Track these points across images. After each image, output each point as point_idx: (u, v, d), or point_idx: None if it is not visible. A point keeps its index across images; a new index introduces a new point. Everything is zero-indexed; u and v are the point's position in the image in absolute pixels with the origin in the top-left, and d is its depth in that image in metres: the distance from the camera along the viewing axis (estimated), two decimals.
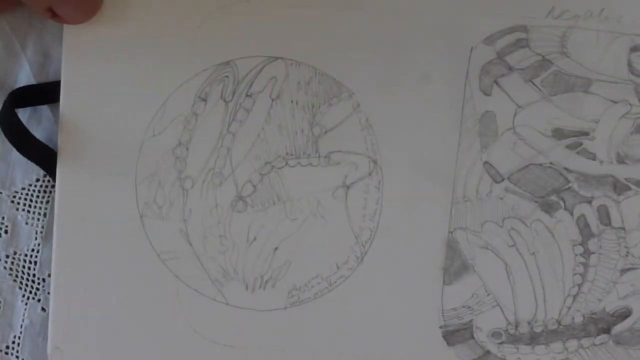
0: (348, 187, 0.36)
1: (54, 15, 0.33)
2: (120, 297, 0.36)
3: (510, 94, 0.36)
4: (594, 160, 0.36)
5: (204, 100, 0.36)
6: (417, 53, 0.36)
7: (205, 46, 0.35)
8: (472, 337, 0.37)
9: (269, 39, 0.36)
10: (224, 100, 0.36)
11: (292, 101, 0.36)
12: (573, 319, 0.36)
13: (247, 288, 0.36)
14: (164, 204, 0.36)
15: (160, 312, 0.36)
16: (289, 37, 0.36)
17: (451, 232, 0.36)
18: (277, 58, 0.36)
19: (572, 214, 0.36)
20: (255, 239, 0.36)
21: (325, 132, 0.36)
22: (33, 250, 0.39)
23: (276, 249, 0.36)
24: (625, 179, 0.36)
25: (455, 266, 0.37)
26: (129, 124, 0.36)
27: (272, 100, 0.36)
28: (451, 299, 0.36)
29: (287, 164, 0.36)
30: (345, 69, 0.36)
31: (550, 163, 0.36)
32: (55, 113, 0.37)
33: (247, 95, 0.36)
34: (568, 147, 0.36)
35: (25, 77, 0.38)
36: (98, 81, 0.36)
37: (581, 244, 0.36)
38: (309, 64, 0.36)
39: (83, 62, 0.35)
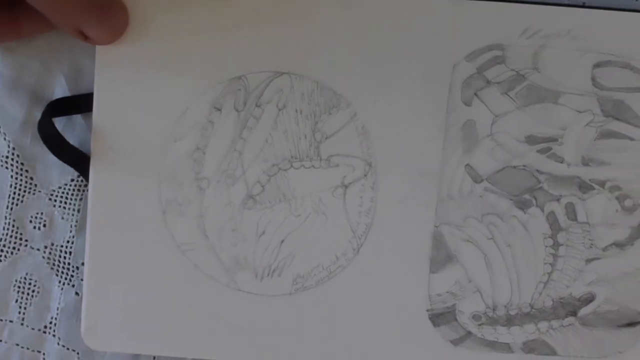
0: (346, 187, 0.37)
1: (85, 37, 0.34)
2: (145, 283, 0.37)
3: (488, 104, 0.37)
4: (562, 163, 0.37)
5: (219, 110, 0.37)
6: (407, 69, 0.36)
7: (220, 62, 0.36)
8: (455, 319, 0.38)
9: (276, 56, 0.37)
10: (236, 110, 0.37)
11: (296, 110, 0.37)
12: (544, 303, 0.38)
13: (256, 276, 0.38)
14: (183, 202, 0.37)
15: (180, 296, 0.37)
16: (293, 55, 0.36)
17: (437, 227, 0.37)
18: (283, 73, 0.37)
19: (543, 210, 0.37)
20: (263, 232, 0.37)
21: (326, 138, 0.37)
22: (68, 241, 0.40)
23: (282, 241, 0.37)
24: (590, 179, 0.37)
25: (440, 257, 0.38)
26: (152, 130, 0.36)
27: (279, 109, 0.37)
28: (437, 286, 0.38)
29: (291, 166, 0.37)
30: (343, 82, 0.36)
31: (524, 166, 0.37)
32: (88, 122, 0.38)
33: (256, 106, 0.37)
34: (539, 151, 0.37)
35: (61, 89, 0.39)
36: (126, 93, 0.36)
37: (551, 237, 0.37)
38: (311, 77, 0.37)
39: (113, 76, 0.36)
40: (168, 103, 0.36)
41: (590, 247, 0.37)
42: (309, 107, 0.36)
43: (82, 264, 0.39)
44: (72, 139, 0.38)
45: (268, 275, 0.37)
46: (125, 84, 0.36)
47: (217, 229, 0.37)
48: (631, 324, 0.38)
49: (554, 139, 0.37)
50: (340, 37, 0.36)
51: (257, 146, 0.37)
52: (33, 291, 0.39)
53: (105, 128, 0.36)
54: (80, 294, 0.39)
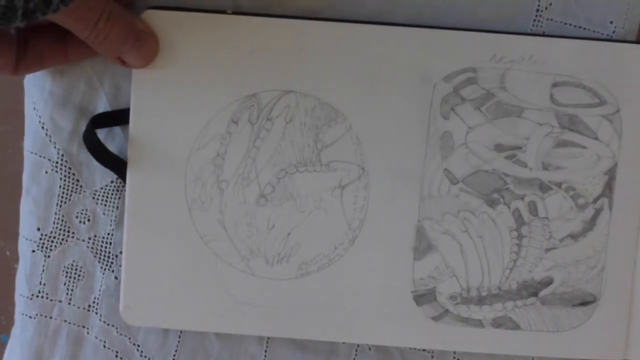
0: (343, 188, 0.39)
1: (122, 62, 0.36)
2: (173, 269, 0.39)
3: (463, 118, 0.39)
4: (525, 167, 0.39)
5: (236, 122, 0.38)
6: (394, 88, 0.38)
7: (237, 82, 0.38)
8: (435, 299, 0.40)
9: (284, 78, 0.38)
10: (251, 123, 0.38)
11: (301, 123, 0.38)
12: (510, 285, 0.40)
13: (267, 263, 0.39)
14: (205, 200, 0.39)
15: (204, 280, 0.39)
16: (299, 77, 0.38)
17: (420, 221, 0.39)
18: (290, 91, 0.38)
19: (509, 207, 0.39)
20: (273, 226, 0.39)
21: (326, 147, 0.39)
22: (108, 234, 0.41)
23: (289, 234, 0.39)
24: (549, 181, 0.39)
25: (422, 246, 0.39)
26: (180, 140, 0.38)
27: (286, 122, 0.38)
28: (419, 271, 0.40)
29: (297, 170, 0.39)
30: (340, 99, 0.38)
31: (493, 169, 0.39)
32: (126, 133, 0.40)
33: (267, 119, 0.38)
34: (506, 157, 0.39)
35: (102, 105, 0.40)
36: (157, 108, 0.38)
37: (516, 230, 0.39)
38: (314, 96, 0.38)
39: (146, 94, 0.38)
40: (193, 117, 0.38)
41: (549, 238, 0.39)
42: (312, 121, 0.38)
43: (121, 252, 0.40)
44: (112, 147, 0.40)
45: (277, 262, 0.39)
46: (156, 101, 0.38)
47: (234, 223, 0.39)
48: (583, 304, 0.40)
49: (518, 147, 0.39)
50: (337, 62, 0.38)
51: (268, 153, 0.39)
52: (79, 276, 0.41)
53: (140, 138, 0.38)
54: (118, 278, 0.41)
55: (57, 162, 0.41)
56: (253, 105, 0.38)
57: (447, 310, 0.40)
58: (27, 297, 0.41)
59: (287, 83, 0.38)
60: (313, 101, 0.38)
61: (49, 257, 0.41)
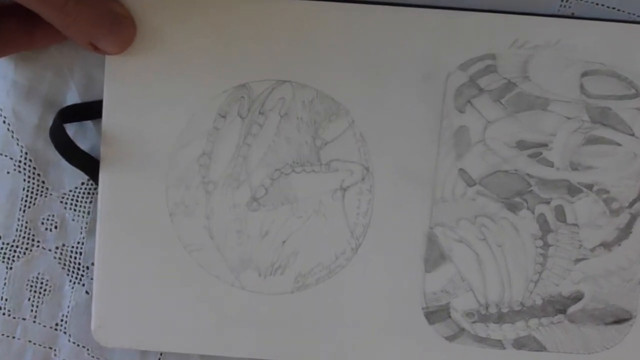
0: (345, 190, 0.37)
1: (95, 48, 0.34)
2: (153, 283, 0.37)
3: (481, 111, 0.36)
4: (551, 167, 0.36)
5: (224, 117, 0.36)
6: (402, 78, 0.36)
7: (225, 71, 0.36)
8: (449, 316, 0.37)
9: (278, 65, 0.36)
10: (240, 117, 0.36)
11: (297, 118, 0.36)
12: (534, 301, 0.37)
13: (259, 275, 0.37)
14: (190, 204, 0.37)
15: (187, 295, 0.37)
16: (295, 64, 0.36)
17: (431, 228, 0.37)
18: (285, 81, 0.36)
19: (533, 212, 0.37)
20: (267, 233, 0.37)
21: (326, 144, 0.37)
22: (79, 243, 0.39)
23: (284, 242, 0.37)
24: (578, 183, 0.37)
25: (434, 256, 0.37)
26: (160, 136, 0.36)
27: (281, 116, 0.36)
28: (431, 284, 0.37)
29: (293, 170, 0.37)
30: (342, 91, 0.36)
31: (515, 170, 0.36)
32: (98, 128, 0.38)
33: (260, 113, 0.36)
34: (529, 156, 0.36)
35: (72, 97, 0.39)
36: (134, 100, 0.36)
37: (541, 238, 0.37)
38: (312, 86, 0.36)
39: (121, 84, 0.36)
40: (175, 110, 0.36)
41: (579, 247, 0.37)
42: (310, 115, 0.36)
43: (92, 264, 0.39)
44: (82, 144, 0.38)
45: (271, 274, 0.37)
46: (133, 92, 0.36)
47: (222, 230, 0.37)
48: (617, 322, 0.37)
49: (543, 144, 0.37)
50: (339, 49, 0.36)
51: (260, 151, 0.37)
52: (45, 290, 0.39)
53: (115, 134, 0.36)
54: (90, 292, 0.39)
55: (20, 162, 0.39)
56: (243, 97, 0.36)
57: (462, 329, 0.37)
58: None
59: (282, 72, 0.36)
60: (311, 93, 0.36)
61: (11, 268, 0.39)
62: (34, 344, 0.39)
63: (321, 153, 0.36)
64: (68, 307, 0.39)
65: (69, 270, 0.39)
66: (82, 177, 0.39)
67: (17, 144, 0.39)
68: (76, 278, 0.39)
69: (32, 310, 0.39)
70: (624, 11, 0.38)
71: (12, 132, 0.39)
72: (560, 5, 0.37)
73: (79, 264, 0.40)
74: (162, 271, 0.37)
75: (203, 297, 0.37)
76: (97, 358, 0.39)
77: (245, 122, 0.37)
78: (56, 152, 0.37)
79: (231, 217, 0.37)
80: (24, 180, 0.39)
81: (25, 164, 0.39)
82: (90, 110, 0.37)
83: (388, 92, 0.36)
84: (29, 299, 0.39)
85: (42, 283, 0.39)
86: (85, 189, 0.39)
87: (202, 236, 0.37)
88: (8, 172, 0.39)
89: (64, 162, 0.38)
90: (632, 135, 0.37)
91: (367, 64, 0.36)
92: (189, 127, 0.36)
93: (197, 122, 0.36)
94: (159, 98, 0.36)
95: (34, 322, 0.39)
